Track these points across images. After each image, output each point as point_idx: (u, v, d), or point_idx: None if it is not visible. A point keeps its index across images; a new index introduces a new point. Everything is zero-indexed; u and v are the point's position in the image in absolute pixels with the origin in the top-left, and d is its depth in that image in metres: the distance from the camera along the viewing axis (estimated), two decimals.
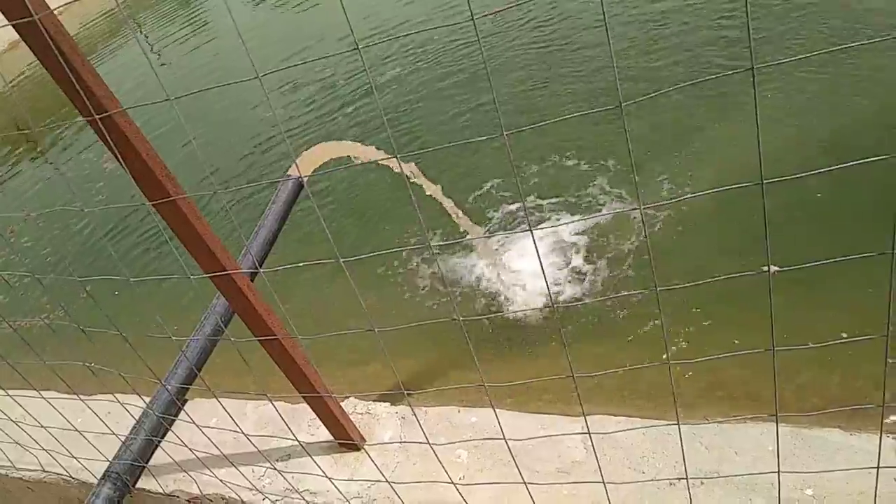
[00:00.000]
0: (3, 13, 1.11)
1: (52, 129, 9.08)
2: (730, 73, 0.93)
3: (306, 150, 2.45)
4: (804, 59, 4.31)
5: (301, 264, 1.38)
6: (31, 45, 1.16)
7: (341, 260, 1.09)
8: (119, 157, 1.30)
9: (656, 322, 3.06)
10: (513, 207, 4.33)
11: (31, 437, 2.57)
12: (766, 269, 0.93)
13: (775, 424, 1.33)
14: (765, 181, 0.85)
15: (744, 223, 3.42)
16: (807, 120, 4.03)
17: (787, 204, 3.37)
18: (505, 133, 0.92)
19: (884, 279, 0.92)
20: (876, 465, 1.26)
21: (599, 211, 3.84)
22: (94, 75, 1.20)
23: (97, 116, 1.19)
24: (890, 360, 1.00)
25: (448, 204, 3.00)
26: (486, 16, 0.85)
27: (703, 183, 3.84)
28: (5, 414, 2.78)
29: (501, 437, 1.45)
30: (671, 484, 1.64)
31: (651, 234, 3.51)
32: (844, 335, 2.45)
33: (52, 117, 9.36)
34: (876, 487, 1.33)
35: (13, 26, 1.12)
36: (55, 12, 1.18)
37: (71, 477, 2.56)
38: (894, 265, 0.88)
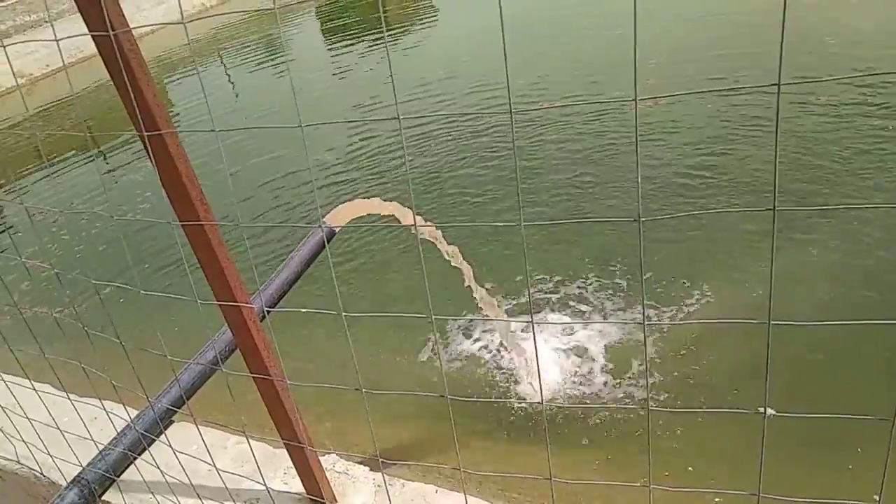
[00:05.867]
0: (85, 24, 1.19)
1: (113, 137, 9.47)
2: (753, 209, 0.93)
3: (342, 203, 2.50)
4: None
5: (304, 310, 1.39)
6: (105, 57, 1.23)
7: (343, 314, 1.10)
8: (160, 173, 1.34)
9: (644, 438, 3.02)
10: (550, 296, 4.32)
11: (14, 426, 2.57)
12: (762, 410, 0.90)
13: None
14: (772, 322, 0.84)
15: (777, 357, 3.39)
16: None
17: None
18: (523, 223, 0.93)
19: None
20: None
21: (617, 318, 3.81)
22: (154, 94, 1.27)
23: (146, 133, 1.25)
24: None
25: (468, 274, 3.02)
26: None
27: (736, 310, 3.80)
28: None
29: None
30: None
31: (664, 353, 3.46)
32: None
33: (125, 121, 9.82)
34: None
35: (92, 37, 1.19)
36: (150, 28, 1.25)
37: (42, 474, 2.53)
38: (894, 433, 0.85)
